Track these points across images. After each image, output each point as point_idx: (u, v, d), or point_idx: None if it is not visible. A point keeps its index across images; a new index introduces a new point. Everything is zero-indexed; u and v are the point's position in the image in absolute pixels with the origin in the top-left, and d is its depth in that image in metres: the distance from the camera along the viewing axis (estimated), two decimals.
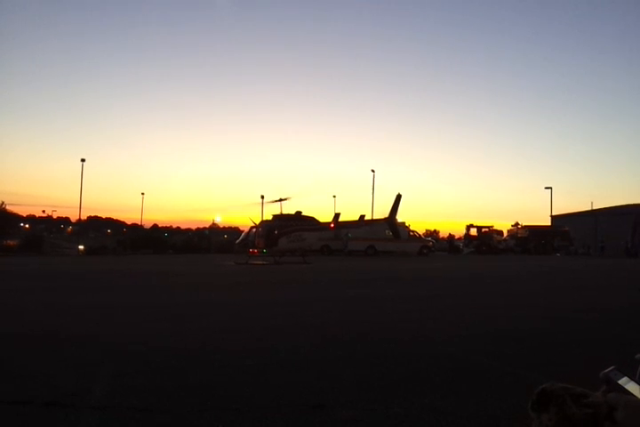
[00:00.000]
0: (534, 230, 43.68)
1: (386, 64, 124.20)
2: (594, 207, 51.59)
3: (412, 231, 38.10)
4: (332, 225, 31.45)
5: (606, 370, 1.07)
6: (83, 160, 43.76)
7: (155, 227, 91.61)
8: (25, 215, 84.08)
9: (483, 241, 43.28)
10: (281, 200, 28.52)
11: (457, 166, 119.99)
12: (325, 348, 5.47)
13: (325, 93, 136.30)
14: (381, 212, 34.66)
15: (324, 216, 34.15)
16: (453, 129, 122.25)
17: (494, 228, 46.35)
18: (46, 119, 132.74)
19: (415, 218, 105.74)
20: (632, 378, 1.05)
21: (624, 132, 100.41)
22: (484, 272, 20.18)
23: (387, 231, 33.88)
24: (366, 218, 35.32)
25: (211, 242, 51.81)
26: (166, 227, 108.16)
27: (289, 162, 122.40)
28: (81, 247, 45.09)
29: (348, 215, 35.88)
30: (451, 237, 54.13)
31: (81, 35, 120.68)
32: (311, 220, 28.82)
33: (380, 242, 35.22)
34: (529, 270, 21.22)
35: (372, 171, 49.66)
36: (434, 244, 42.00)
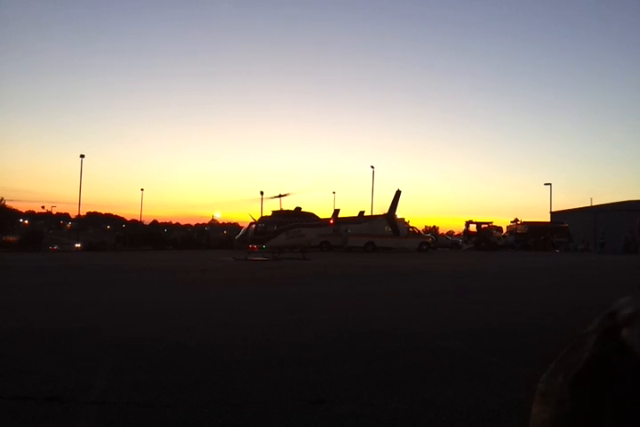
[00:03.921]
0: (533, 227, 43.65)
1: (385, 61, 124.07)
2: (593, 203, 51.66)
3: (412, 227, 38.07)
4: (332, 221, 31.43)
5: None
6: (82, 156, 43.76)
7: (154, 223, 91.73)
8: (24, 211, 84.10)
9: (482, 237, 43.25)
10: (280, 196, 28.52)
11: (457, 163, 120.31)
12: (325, 343, 5.48)
13: (325, 90, 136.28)
14: (381, 208, 34.63)
15: (324, 212, 34.18)
16: (453, 125, 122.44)
17: (493, 224, 46.35)
18: (46, 115, 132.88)
19: (415, 214, 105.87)
20: None
21: (624, 128, 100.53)
22: (483, 268, 20.20)
23: (386, 227, 33.82)
24: (366, 214, 35.32)
25: (210, 238, 51.83)
26: (166, 223, 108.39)
27: (288, 158, 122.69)
28: (77, 245, 45.22)
29: (348, 211, 35.96)
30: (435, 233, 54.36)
31: (81, 32, 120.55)
32: (310, 216, 28.80)
33: (379, 238, 35.20)
34: (528, 267, 21.25)
35: (372, 167, 49.73)
36: (433, 240, 41.98)
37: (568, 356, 0.46)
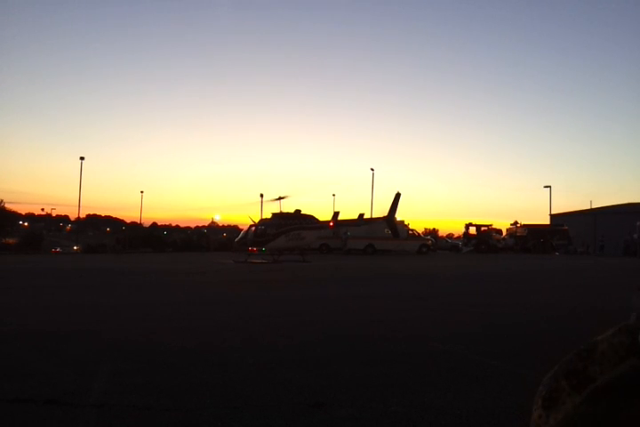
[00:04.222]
0: (533, 229, 43.64)
1: (385, 64, 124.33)
2: (593, 206, 51.67)
3: (412, 230, 38.05)
4: (332, 224, 31.43)
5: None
6: (82, 158, 43.69)
7: (154, 225, 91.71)
8: (24, 213, 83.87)
9: (482, 240, 43.23)
10: (280, 199, 28.52)
11: (456, 165, 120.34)
12: (324, 346, 5.47)
13: (325, 93, 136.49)
14: (380, 210, 34.66)
15: (324, 215, 34.19)
16: (453, 128, 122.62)
17: (493, 226, 46.34)
18: (46, 117, 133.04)
19: (414, 217, 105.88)
20: None
21: (623, 131, 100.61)
22: (483, 271, 20.19)
23: (386, 230, 33.83)
24: (365, 217, 35.33)
25: (210, 240, 51.78)
26: (165, 225, 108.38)
27: (288, 160, 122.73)
28: (75, 247, 45.29)
29: (348, 214, 35.90)
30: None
31: (82, 34, 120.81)
32: (310, 218, 28.79)
33: (379, 241, 35.19)
34: (527, 269, 21.23)
35: (372, 169, 49.74)
36: (433, 242, 41.97)
37: (576, 361, 0.44)
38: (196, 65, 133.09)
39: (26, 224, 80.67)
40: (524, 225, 45.26)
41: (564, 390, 0.42)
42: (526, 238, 42.90)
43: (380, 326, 6.87)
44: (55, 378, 4.09)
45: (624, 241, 37.17)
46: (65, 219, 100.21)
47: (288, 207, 29.02)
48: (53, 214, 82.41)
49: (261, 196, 35.30)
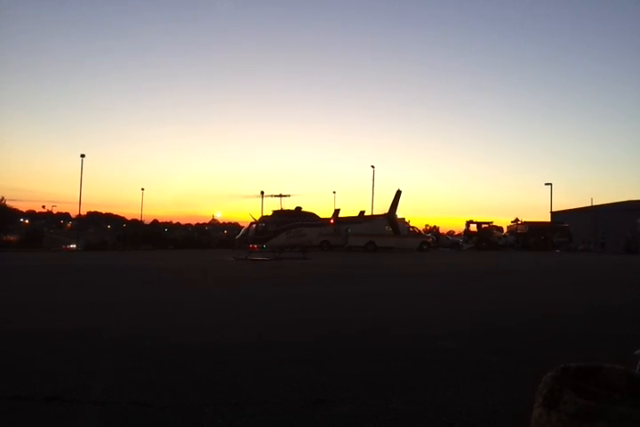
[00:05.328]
0: (534, 226, 43.62)
1: (386, 62, 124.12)
2: (594, 203, 51.63)
3: (412, 227, 38.08)
4: (332, 221, 31.50)
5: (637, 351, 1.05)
6: (83, 156, 43.71)
7: (155, 222, 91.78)
8: (25, 211, 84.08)
9: (482, 237, 43.24)
10: (281, 196, 28.56)
11: (457, 163, 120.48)
12: (325, 343, 5.48)
13: (326, 90, 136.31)
14: (381, 208, 34.75)
15: (324, 212, 34.25)
16: (454, 125, 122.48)
17: (494, 224, 46.34)
18: (46, 115, 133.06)
19: (415, 214, 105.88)
20: None
21: (624, 128, 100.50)
22: (483, 268, 20.20)
23: (386, 227, 33.87)
24: (366, 214, 35.37)
25: (210, 237, 51.86)
26: (166, 222, 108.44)
27: (289, 158, 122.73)
28: (73, 246, 45.52)
29: (348, 211, 36.04)
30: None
31: (82, 31, 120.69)
32: (311, 215, 28.84)
33: (379, 238, 35.21)
34: (529, 266, 21.24)
35: (372, 167, 49.74)
36: (434, 240, 41.99)
37: (586, 381, 0.44)
38: (197, 62, 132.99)
39: (27, 221, 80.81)
40: (525, 222, 45.22)
41: (570, 397, 0.41)
42: (527, 236, 42.88)
43: (381, 323, 6.88)
44: (56, 375, 4.09)
45: (625, 238, 37.16)
46: (66, 216, 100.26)
47: (289, 205, 29.06)
48: (54, 212, 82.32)
49: (262, 193, 35.33)
